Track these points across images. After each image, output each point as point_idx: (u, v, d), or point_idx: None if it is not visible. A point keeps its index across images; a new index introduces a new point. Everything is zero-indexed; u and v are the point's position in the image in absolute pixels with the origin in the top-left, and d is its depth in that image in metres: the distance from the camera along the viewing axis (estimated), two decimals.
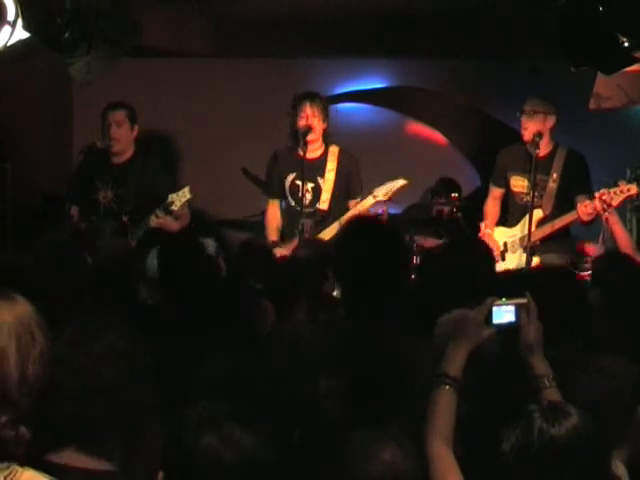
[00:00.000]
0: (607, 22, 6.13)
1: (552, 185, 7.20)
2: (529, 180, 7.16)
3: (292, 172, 7.26)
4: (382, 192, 7.26)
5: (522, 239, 7.19)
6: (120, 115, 7.25)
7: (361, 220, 5.33)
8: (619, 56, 6.28)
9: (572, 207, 7.07)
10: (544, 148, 7.20)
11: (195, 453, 2.41)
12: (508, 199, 7.46)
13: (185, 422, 2.47)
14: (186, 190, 7.03)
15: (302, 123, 7.15)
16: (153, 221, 7.02)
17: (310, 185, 7.25)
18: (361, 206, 7.22)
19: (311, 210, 7.23)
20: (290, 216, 7.29)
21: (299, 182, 7.22)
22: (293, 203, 7.27)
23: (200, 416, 2.47)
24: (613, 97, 8.42)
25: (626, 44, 6.14)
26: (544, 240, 7.09)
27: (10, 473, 1.99)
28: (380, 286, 3.94)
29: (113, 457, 2.66)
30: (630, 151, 8.11)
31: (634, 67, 6.74)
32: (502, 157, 7.50)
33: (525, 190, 7.24)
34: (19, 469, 2.01)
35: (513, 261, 7.22)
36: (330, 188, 7.27)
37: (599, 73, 7.71)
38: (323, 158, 7.26)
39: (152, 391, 2.76)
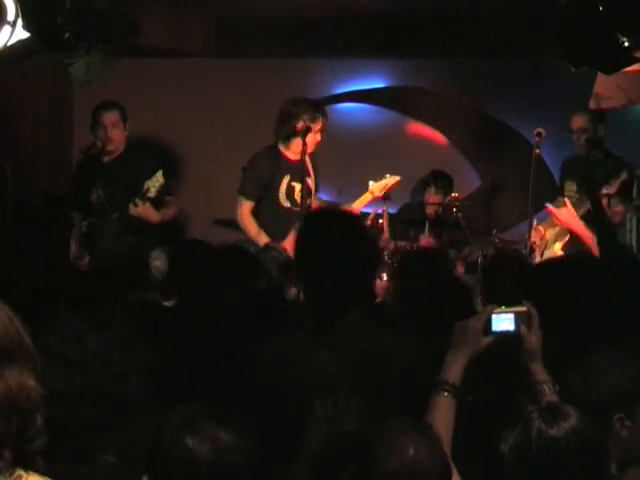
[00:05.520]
0: (607, 22, 6.13)
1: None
2: (577, 184, 7.54)
3: (286, 174, 7.28)
4: (378, 188, 7.47)
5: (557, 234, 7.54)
6: (115, 116, 7.29)
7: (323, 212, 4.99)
8: (619, 56, 6.28)
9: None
10: (593, 156, 7.58)
11: (176, 456, 2.40)
12: None
13: (166, 424, 2.47)
14: (159, 175, 6.99)
15: (302, 124, 7.17)
16: (132, 210, 7.02)
17: (299, 186, 7.27)
18: (359, 203, 7.39)
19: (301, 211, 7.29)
20: (281, 217, 7.27)
21: (294, 184, 7.26)
22: (288, 204, 7.29)
23: (181, 418, 2.46)
24: (613, 97, 8.42)
25: (626, 44, 6.14)
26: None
27: (16, 479, 1.99)
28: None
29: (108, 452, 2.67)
30: (630, 151, 8.10)
31: (634, 67, 6.74)
32: (562, 169, 7.93)
33: (573, 194, 7.56)
34: (24, 474, 2.01)
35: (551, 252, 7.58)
36: (313, 188, 7.42)
37: (599, 73, 7.71)
38: (303, 160, 7.24)
39: (147, 388, 2.76)
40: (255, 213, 7.39)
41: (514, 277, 4.44)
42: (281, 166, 7.31)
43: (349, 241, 3.48)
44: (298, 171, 7.20)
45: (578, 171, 7.62)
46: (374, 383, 3.28)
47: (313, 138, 7.22)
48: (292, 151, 7.24)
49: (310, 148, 7.22)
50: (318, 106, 7.39)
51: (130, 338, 2.82)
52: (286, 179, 7.30)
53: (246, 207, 7.38)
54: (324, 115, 7.29)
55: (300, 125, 7.15)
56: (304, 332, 3.45)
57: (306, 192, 7.29)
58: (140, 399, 2.73)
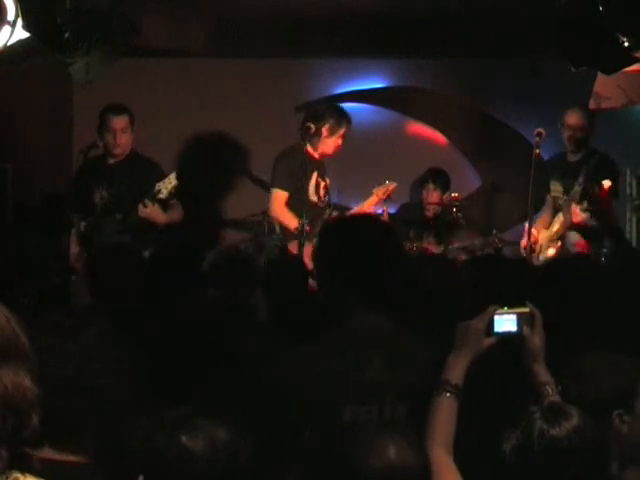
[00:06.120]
0: (607, 22, 6.13)
1: (577, 189, 7.50)
2: (563, 185, 7.61)
3: (314, 170, 7.53)
4: (381, 192, 7.80)
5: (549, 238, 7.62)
6: (124, 121, 7.28)
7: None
8: (619, 56, 6.28)
9: None
10: (578, 154, 7.63)
11: (171, 454, 2.40)
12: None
13: (161, 423, 2.47)
14: (172, 177, 6.99)
15: (328, 127, 7.53)
16: (141, 211, 7.02)
17: (323, 183, 7.64)
18: (367, 205, 7.75)
19: (326, 206, 7.62)
20: (308, 211, 7.35)
21: (320, 180, 7.60)
22: (315, 199, 7.54)
23: (175, 416, 2.46)
24: (613, 97, 8.42)
25: (626, 44, 6.14)
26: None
27: None
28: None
29: (87, 451, 2.67)
30: (630, 151, 8.11)
31: (634, 67, 6.74)
32: (548, 167, 7.91)
33: (559, 195, 7.63)
34: (21, 476, 2.01)
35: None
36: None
37: (599, 73, 7.71)
38: (322, 159, 7.70)
39: (129, 388, 2.75)
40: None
41: (498, 277, 4.43)
42: (309, 162, 7.52)
43: (388, 244, 3.52)
44: (322, 169, 7.60)
45: (561, 170, 7.64)
46: (416, 387, 3.26)
47: (334, 142, 7.53)
48: (316, 151, 7.56)
49: (330, 150, 7.56)
50: (344, 112, 7.69)
51: (114, 336, 2.80)
52: (315, 174, 7.54)
53: (282, 197, 7.51)
54: (349, 122, 7.59)
55: (326, 127, 7.44)
56: (346, 335, 3.39)
57: (327, 189, 7.67)
58: (120, 398, 2.72)
